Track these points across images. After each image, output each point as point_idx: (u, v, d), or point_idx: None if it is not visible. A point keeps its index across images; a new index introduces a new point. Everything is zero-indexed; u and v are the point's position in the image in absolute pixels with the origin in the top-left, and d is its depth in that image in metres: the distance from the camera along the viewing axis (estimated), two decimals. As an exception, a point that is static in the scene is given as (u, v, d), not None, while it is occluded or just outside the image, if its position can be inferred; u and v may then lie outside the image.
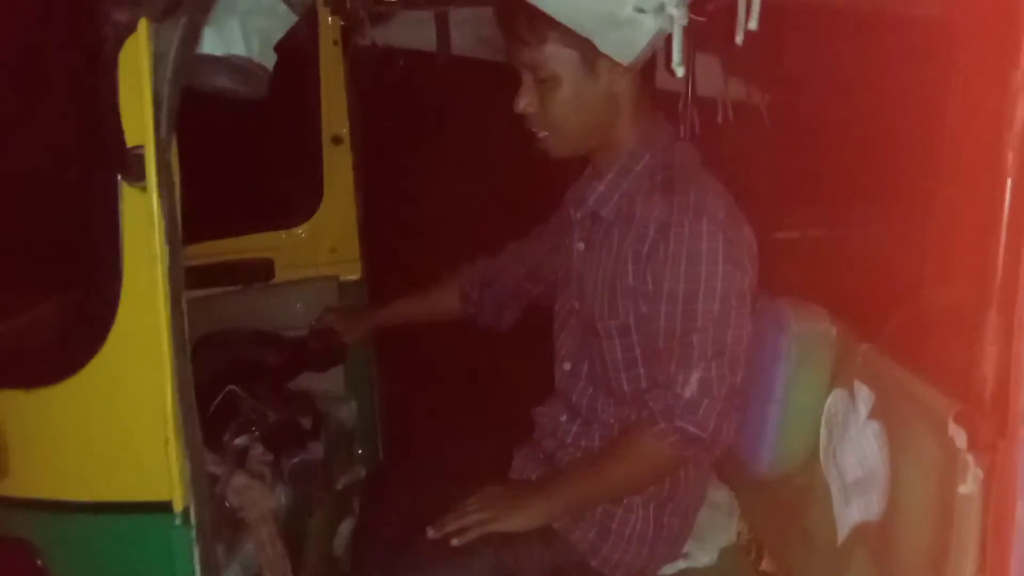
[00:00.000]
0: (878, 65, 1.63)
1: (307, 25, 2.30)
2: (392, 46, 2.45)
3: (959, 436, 1.09)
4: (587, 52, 1.50)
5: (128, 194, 1.08)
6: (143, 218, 1.08)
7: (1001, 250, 0.99)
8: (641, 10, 1.05)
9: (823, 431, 1.54)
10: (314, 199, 2.50)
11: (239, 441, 1.65)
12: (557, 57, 1.53)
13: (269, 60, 1.23)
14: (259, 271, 2.46)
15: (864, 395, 1.41)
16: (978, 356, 1.04)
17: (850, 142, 1.68)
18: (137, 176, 1.06)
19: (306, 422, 1.86)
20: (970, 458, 1.07)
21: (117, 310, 1.11)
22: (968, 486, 1.07)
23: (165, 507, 1.12)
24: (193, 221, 1.16)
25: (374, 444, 2.64)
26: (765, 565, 1.78)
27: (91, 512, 1.16)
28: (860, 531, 1.41)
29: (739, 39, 1.08)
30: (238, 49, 1.16)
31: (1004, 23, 0.93)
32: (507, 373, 2.88)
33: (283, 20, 1.21)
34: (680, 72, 1.07)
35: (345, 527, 2.32)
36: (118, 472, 1.15)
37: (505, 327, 2.13)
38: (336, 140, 2.47)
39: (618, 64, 1.52)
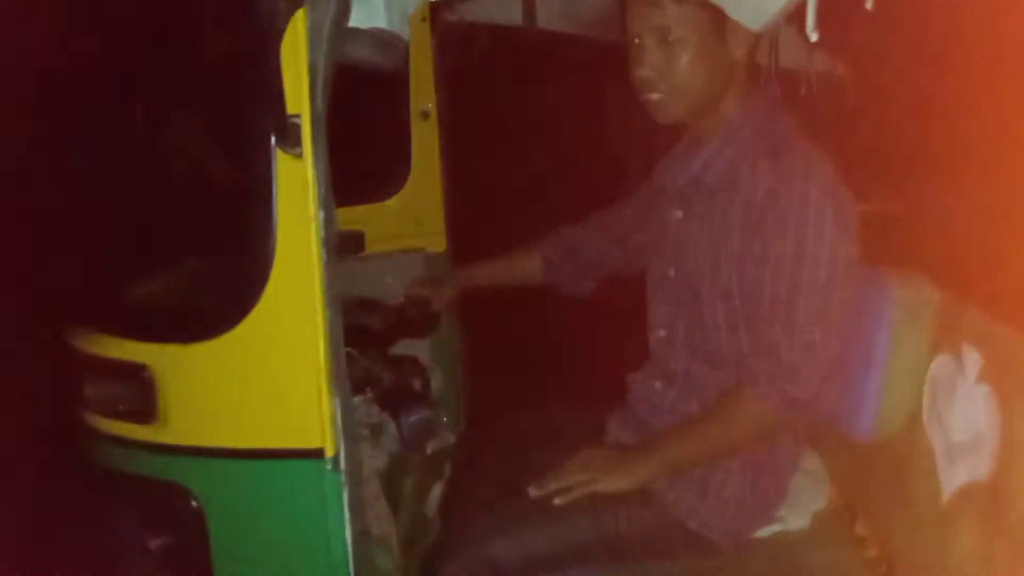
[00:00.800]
0: (971, 31, 1.63)
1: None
2: (478, 21, 2.51)
3: (1083, 395, 1.12)
4: (718, 16, 1.54)
5: (283, 160, 1.15)
6: (298, 183, 1.15)
7: None
8: (779, -23, 1.08)
9: (926, 395, 1.57)
10: (403, 173, 2.57)
11: (355, 400, 1.72)
12: (692, 19, 1.55)
13: (406, 32, 1.29)
14: (351, 243, 2.51)
15: (973, 359, 1.43)
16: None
17: (956, 110, 1.69)
18: (293, 143, 1.13)
19: (416, 383, 1.94)
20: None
21: (271, 270, 1.18)
22: (1093, 441, 1.10)
23: (317, 454, 1.20)
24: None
25: (458, 412, 2.71)
26: (859, 529, 1.82)
27: (247, 458, 1.25)
28: (967, 491, 1.44)
29: (869, 3, 1.10)
30: (380, 22, 1.21)
31: None
32: (593, 341, 2.93)
33: (421, -6, 1.27)
34: (815, 37, 1.11)
35: (436, 490, 2.39)
36: (273, 421, 1.23)
37: (584, 295, 2.16)
38: (424, 115, 2.54)
39: (741, 31, 1.56)
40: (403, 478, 2.29)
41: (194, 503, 1.29)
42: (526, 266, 2.19)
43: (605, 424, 1.93)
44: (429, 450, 2.48)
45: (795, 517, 1.83)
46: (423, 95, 2.52)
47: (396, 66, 1.29)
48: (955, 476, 1.46)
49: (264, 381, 1.22)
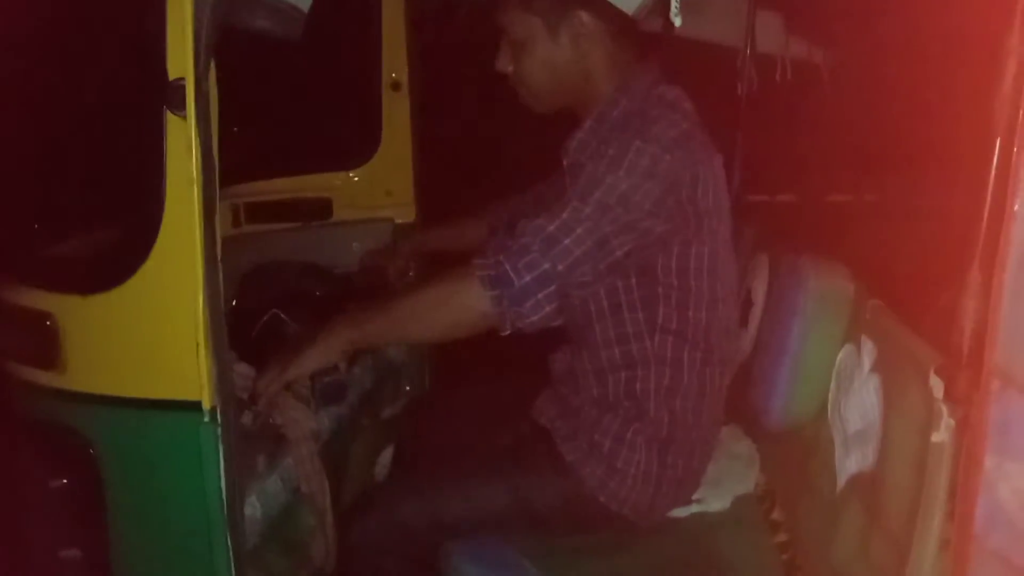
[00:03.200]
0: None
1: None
2: (451, -4, 2.53)
3: (937, 387, 1.12)
4: (550, 18, 1.57)
5: (172, 123, 1.20)
6: (183, 145, 1.19)
7: (986, 209, 1.02)
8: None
9: (832, 385, 1.57)
10: (372, 143, 2.60)
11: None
12: (521, 23, 1.60)
13: (304, 2, 1.32)
14: (317, 209, 2.59)
15: (868, 349, 1.43)
16: (959, 311, 1.06)
17: (873, 116, 1.68)
18: (179, 106, 1.18)
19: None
20: (944, 408, 1.10)
21: (160, 227, 1.23)
22: (940, 435, 1.10)
23: (195, 406, 1.25)
24: (258, 159, 1.26)
25: (421, 382, 2.76)
26: (776, 514, 1.83)
27: (135, 407, 1.30)
28: (855, 481, 1.44)
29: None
30: (276, -8, 1.25)
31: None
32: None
33: (317, -36, 1.30)
34: (678, 23, 1.11)
35: (386, 455, 2.45)
36: (158, 372, 1.28)
37: None
38: (395, 86, 2.56)
39: (582, 27, 1.58)
40: (353, 442, 2.35)
41: (91, 450, 1.35)
42: (472, 233, 2.21)
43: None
44: (385, 415, 2.54)
45: (716, 499, 1.85)
46: (395, 66, 2.55)
47: (291, 35, 1.31)
48: (848, 467, 1.46)
49: (151, 333, 1.28)
